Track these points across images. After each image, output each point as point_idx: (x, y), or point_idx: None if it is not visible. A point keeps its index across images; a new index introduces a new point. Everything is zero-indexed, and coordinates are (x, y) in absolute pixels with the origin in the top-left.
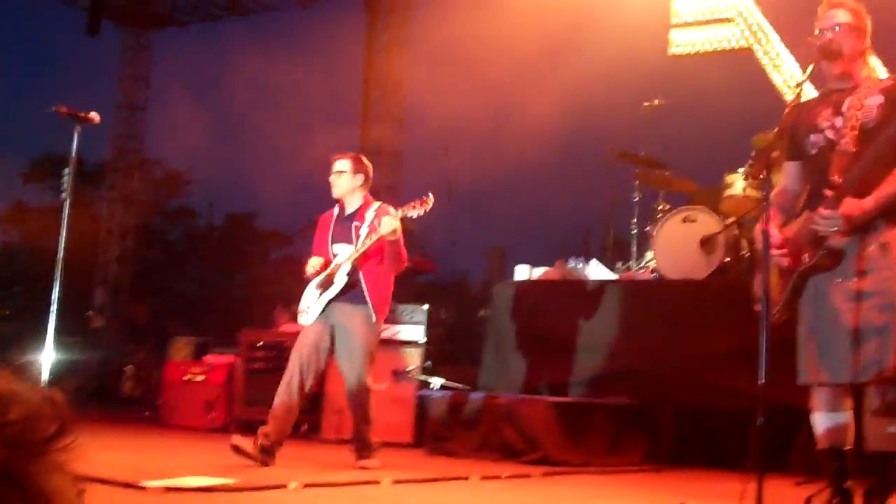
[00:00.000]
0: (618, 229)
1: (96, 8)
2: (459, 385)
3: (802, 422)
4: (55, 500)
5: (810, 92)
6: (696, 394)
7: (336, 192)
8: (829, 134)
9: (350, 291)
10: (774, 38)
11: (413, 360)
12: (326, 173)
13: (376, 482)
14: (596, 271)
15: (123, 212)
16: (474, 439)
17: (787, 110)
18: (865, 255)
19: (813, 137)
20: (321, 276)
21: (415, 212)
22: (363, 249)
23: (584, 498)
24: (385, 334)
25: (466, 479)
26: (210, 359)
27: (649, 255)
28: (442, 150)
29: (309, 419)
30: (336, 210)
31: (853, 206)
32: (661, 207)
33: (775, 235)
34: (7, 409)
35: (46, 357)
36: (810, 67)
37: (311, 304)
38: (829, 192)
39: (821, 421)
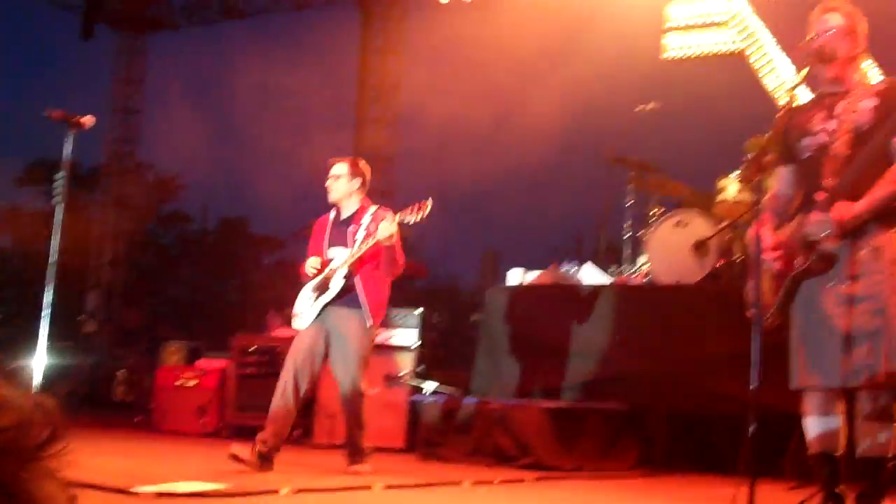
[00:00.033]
0: (611, 233)
1: (90, 11)
2: (452, 389)
3: (795, 426)
4: None
5: (804, 96)
6: (689, 398)
7: (333, 196)
8: (823, 137)
9: (346, 296)
10: (768, 42)
11: (406, 364)
12: (321, 177)
13: (368, 487)
14: (590, 275)
15: (117, 216)
16: (467, 444)
17: (779, 114)
18: (857, 258)
19: (806, 141)
20: (316, 280)
21: (412, 217)
22: (359, 254)
23: (576, 503)
24: (377, 339)
25: (459, 484)
26: (202, 363)
27: (642, 259)
28: (436, 153)
29: (301, 424)
30: (332, 214)
31: (844, 209)
32: (654, 211)
33: (768, 239)
34: None
35: (38, 361)
36: (804, 71)
37: (306, 308)
38: (821, 196)
39: (813, 425)
